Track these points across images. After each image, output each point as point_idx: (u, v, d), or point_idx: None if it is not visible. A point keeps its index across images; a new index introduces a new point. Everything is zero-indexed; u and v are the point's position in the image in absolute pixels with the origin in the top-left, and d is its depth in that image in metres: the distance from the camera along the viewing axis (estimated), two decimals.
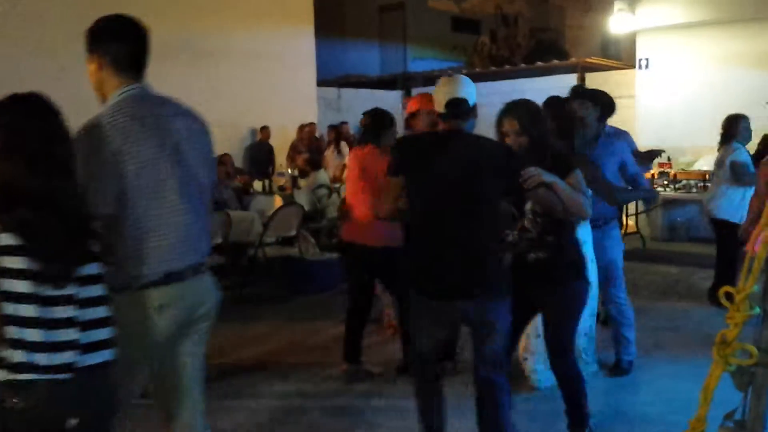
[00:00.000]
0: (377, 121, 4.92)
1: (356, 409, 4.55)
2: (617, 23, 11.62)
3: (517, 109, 3.62)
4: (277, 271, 7.41)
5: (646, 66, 11.64)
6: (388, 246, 4.73)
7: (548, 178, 3.30)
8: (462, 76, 3.62)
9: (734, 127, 6.60)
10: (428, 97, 4.87)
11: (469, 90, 3.43)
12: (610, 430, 4.19)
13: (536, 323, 4.37)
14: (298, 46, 12.78)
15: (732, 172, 6.53)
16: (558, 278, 3.67)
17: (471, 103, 3.39)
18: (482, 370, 3.45)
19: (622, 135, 5.21)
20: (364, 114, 5.08)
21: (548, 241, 3.60)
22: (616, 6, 11.47)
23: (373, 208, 4.64)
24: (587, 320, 4.78)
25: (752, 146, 6.81)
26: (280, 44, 12.39)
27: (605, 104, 5.03)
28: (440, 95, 3.43)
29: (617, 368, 5.08)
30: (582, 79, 13.03)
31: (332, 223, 8.22)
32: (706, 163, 9.69)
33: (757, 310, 2.57)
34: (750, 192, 6.32)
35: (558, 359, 3.80)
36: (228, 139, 11.41)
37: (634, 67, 12.13)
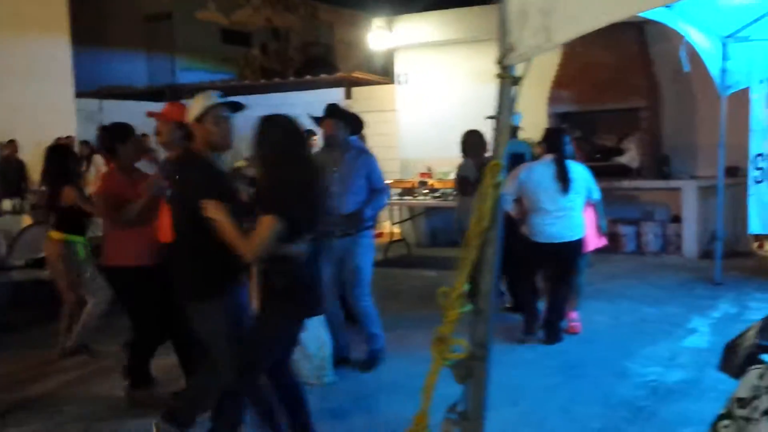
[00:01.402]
0: (111, 134, 4.81)
1: None
2: (376, 40, 12.10)
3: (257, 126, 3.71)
4: (27, 295, 6.90)
5: (405, 81, 12.21)
6: (124, 265, 4.63)
7: (213, 214, 3.51)
8: (200, 95, 3.73)
9: (465, 142, 7.09)
10: (185, 108, 4.78)
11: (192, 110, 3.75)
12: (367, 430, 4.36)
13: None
14: (52, 56, 12.03)
15: (457, 184, 7.07)
16: (265, 302, 3.70)
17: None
18: None
19: (366, 152, 5.55)
20: (99, 128, 4.99)
21: (264, 266, 3.65)
22: (375, 24, 11.94)
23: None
24: (318, 329, 5.00)
25: None
26: (32, 54, 11.62)
27: (354, 123, 5.42)
28: None
29: (370, 360, 5.38)
30: (348, 93, 13.44)
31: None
32: None
33: (469, 307, 2.78)
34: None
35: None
36: None
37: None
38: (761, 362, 2.66)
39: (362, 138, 10.37)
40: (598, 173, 9.93)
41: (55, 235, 5.70)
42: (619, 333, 6.14)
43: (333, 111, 5.31)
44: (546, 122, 9.87)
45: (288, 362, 3.88)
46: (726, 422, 2.75)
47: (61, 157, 5.90)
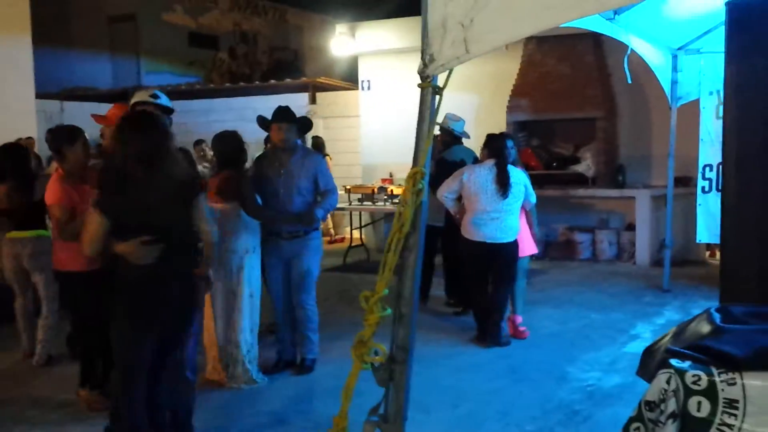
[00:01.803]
0: (56, 137, 4.82)
1: None
2: (338, 46, 12.15)
3: None
4: None
5: (368, 87, 12.27)
6: (78, 270, 4.63)
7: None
8: (137, 93, 3.79)
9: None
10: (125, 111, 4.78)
11: None
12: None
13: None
14: (12, 56, 11.91)
15: None
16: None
17: None
18: None
19: (313, 153, 5.64)
20: (47, 131, 4.98)
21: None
22: (338, 30, 12.00)
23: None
24: (245, 332, 5.14)
25: None
26: None
27: (303, 126, 5.48)
28: None
29: (302, 367, 5.42)
30: (313, 98, 13.49)
31: None
32: None
33: (389, 311, 2.84)
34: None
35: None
36: None
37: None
38: (670, 366, 2.74)
39: (319, 147, 10.48)
40: (555, 181, 10.19)
41: (25, 233, 5.65)
42: (564, 338, 6.24)
43: (283, 114, 5.32)
44: (504, 130, 9.99)
45: (153, 384, 3.73)
46: (636, 424, 2.84)
47: (22, 154, 5.88)
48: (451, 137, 7.13)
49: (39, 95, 12.62)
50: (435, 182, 5.91)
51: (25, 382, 5.42)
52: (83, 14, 17.38)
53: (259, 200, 5.18)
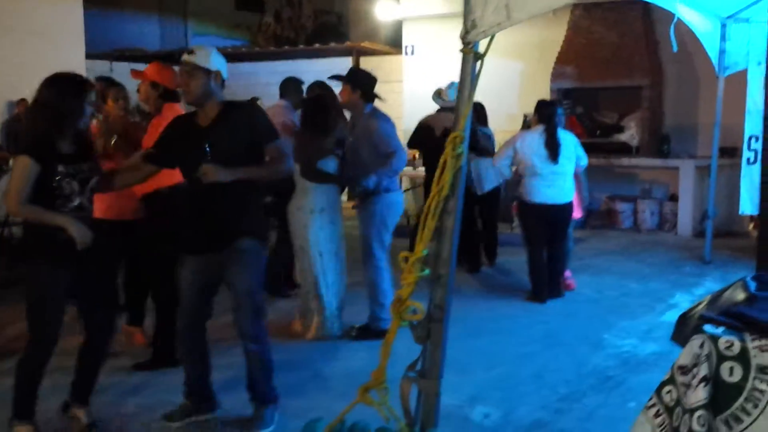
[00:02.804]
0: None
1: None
2: (383, 11, 12.13)
3: None
4: None
5: (412, 52, 12.25)
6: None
7: None
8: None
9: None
10: (162, 69, 4.84)
11: None
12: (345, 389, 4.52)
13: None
14: (64, 17, 12.15)
15: None
16: None
17: None
18: None
19: (375, 116, 5.34)
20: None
21: None
22: None
23: None
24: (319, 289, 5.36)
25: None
26: (43, 15, 11.73)
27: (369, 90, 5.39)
28: None
29: (364, 330, 5.48)
30: (357, 63, 13.49)
31: None
32: None
33: (427, 271, 2.93)
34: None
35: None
36: None
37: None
38: (704, 332, 2.79)
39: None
40: (599, 150, 10.11)
41: None
42: (601, 306, 6.29)
43: (348, 77, 5.42)
44: (549, 98, 9.93)
45: None
46: (668, 388, 2.89)
47: None
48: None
49: (89, 55, 12.86)
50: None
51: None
52: None
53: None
